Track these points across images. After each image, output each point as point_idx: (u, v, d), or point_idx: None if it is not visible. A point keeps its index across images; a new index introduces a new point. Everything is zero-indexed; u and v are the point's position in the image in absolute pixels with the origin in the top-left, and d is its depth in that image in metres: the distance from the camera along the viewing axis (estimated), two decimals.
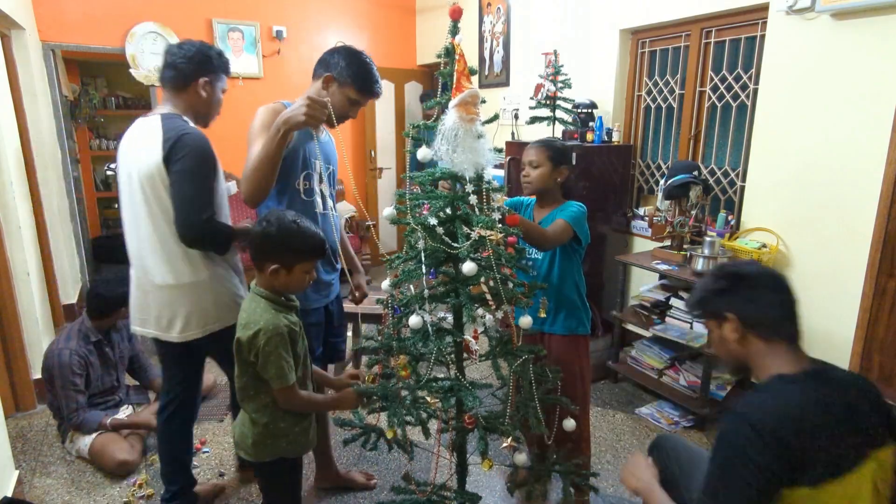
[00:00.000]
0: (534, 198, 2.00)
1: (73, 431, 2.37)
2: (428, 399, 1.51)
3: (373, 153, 5.27)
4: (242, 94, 4.58)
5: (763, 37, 2.63)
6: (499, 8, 4.28)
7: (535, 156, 1.91)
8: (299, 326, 1.49)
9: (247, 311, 1.43)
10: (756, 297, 1.15)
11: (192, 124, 1.74)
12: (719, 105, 2.95)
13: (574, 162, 1.85)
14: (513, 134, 4.18)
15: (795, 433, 1.01)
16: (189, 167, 1.60)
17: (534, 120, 3.35)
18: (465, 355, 1.53)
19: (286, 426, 1.47)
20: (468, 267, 1.36)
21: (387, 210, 1.52)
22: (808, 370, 1.12)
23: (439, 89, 1.42)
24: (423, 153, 1.42)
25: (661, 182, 2.89)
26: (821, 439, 1.01)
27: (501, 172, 3.64)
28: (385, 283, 1.57)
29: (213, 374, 2.94)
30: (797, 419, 1.02)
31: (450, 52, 1.38)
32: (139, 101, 5.87)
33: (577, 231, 1.86)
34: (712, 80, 2.95)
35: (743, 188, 2.79)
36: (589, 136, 3.25)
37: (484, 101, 1.22)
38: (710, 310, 1.22)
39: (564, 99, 3.26)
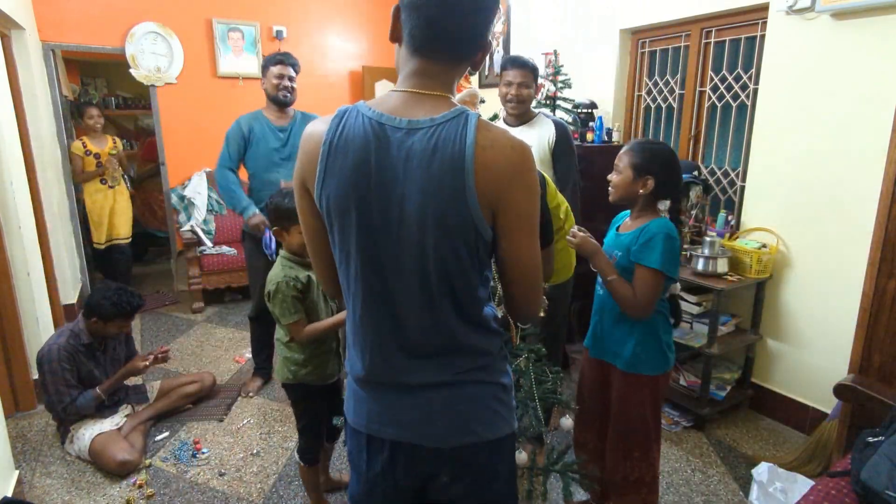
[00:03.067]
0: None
1: (73, 426, 2.37)
2: None
3: None
4: (242, 93, 4.58)
5: (763, 37, 2.63)
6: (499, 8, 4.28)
7: (620, 159, 1.68)
8: (311, 279, 1.83)
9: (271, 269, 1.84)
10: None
11: None
12: (719, 105, 2.95)
13: (670, 170, 1.65)
14: None
15: None
16: None
17: None
18: None
19: (305, 357, 1.85)
20: None
21: None
22: None
23: None
24: None
25: None
26: None
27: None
28: None
29: (214, 373, 2.94)
30: None
31: None
32: (139, 101, 5.87)
33: (669, 275, 1.58)
34: (712, 80, 2.95)
35: (743, 188, 2.79)
36: (589, 136, 3.25)
37: (483, 101, 1.23)
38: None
39: (564, 99, 3.26)
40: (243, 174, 2.80)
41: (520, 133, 2.39)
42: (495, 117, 1.58)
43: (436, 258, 0.88)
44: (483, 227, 0.87)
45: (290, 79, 2.71)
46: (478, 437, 0.97)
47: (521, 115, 2.49)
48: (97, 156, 4.01)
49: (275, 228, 1.86)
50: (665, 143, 2.36)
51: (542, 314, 1.49)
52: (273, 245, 2.64)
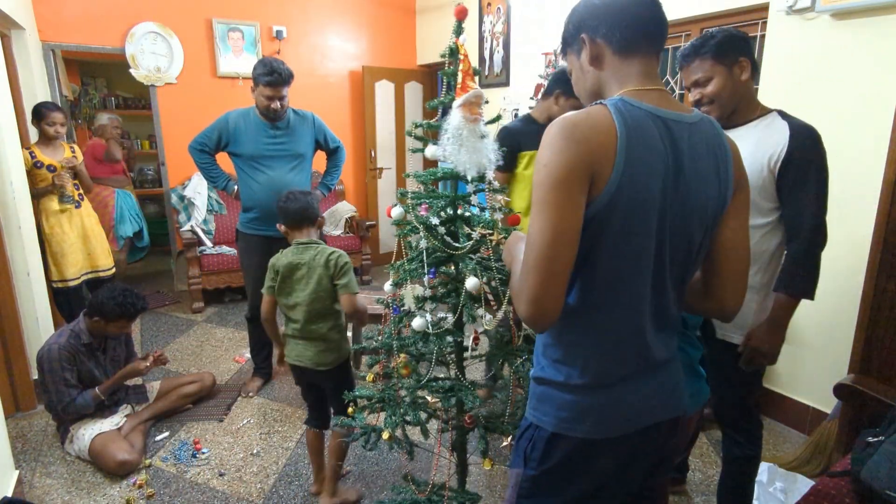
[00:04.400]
0: None
1: (73, 426, 2.37)
2: (428, 399, 1.52)
3: (373, 153, 5.27)
4: (242, 93, 4.58)
5: (763, 37, 2.63)
6: (499, 8, 4.28)
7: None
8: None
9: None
10: None
11: None
12: None
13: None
14: None
15: None
16: None
17: None
18: (473, 346, 1.53)
19: (341, 337, 2.00)
20: (471, 283, 1.37)
21: (395, 210, 1.53)
22: None
23: (444, 89, 1.43)
24: (431, 151, 1.43)
25: None
26: None
27: None
28: (387, 285, 1.57)
29: (213, 373, 2.94)
30: None
31: (454, 53, 1.39)
32: (139, 101, 5.87)
33: None
34: None
35: None
36: None
37: (487, 102, 1.23)
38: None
39: None
40: (228, 167, 2.86)
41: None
42: (498, 118, 1.57)
43: (700, 242, 0.98)
44: (725, 208, 1.00)
45: (282, 98, 2.61)
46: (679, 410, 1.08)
47: (728, 118, 1.64)
48: (51, 168, 3.11)
49: (284, 230, 2.01)
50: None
51: None
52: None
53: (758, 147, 1.57)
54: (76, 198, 3.25)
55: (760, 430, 1.76)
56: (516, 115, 4.17)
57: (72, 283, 3.25)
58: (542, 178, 0.88)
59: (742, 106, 1.61)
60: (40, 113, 3.11)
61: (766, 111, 1.64)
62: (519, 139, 2.38)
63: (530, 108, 3.46)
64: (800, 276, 1.52)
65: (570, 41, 1.05)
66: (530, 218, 0.90)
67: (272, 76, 2.53)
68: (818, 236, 1.57)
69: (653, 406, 1.02)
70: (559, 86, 2.31)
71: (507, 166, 2.36)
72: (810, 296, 1.54)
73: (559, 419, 0.99)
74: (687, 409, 1.10)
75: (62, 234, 3.18)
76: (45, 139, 3.16)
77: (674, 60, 3.17)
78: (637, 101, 0.92)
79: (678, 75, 3.14)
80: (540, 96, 2.45)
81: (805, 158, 1.53)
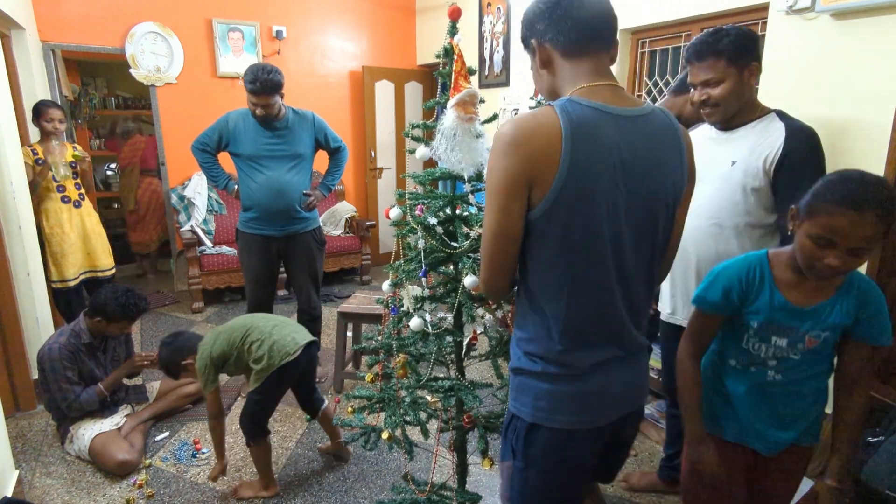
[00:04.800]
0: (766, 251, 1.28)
1: (73, 426, 2.37)
2: (428, 398, 1.52)
3: (373, 153, 5.27)
4: (242, 94, 4.57)
5: (763, 37, 2.63)
6: (499, 8, 4.28)
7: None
8: None
9: None
10: None
11: None
12: None
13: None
14: None
15: None
16: None
17: None
18: (472, 344, 1.53)
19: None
20: (469, 281, 1.37)
21: (394, 211, 1.53)
22: None
23: (438, 89, 1.43)
24: (421, 152, 1.43)
25: None
26: None
27: None
28: (385, 285, 1.57)
29: None
30: None
31: (448, 53, 1.38)
32: (139, 101, 5.87)
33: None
34: None
35: None
36: None
37: (483, 101, 1.22)
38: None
39: None
40: (231, 168, 2.86)
41: (725, 142, 1.64)
42: (495, 117, 1.57)
43: (664, 227, 1.02)
44: (682, 196, 1.04)
45: (267, 106, 2.57)
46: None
47: (729, 120, 1.63)
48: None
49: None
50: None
51: None
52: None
53: (754, 149, 1.56)
54: (76, 197, 3.23)
55: None
56: (516, 115, 4.17)
57: (71, 283, 3.23)
58: (488, 182, 0.96)
59: (743, 108, 1.60)
60: (38, 110, 3.11)
61: (765, 112, 1.63)
62: None
63: (530, 107, 3.46)
64: None
65: (524, 45, 1.07)
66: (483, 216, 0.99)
67: (254, 85, 2.52)
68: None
69: (629, 393, 1.07)
70: None
71: None
72: None
73: (536, 409, 1.03)
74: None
75: (62, 235, 3.17)
76: (46, 137, 3.14)
77: (674, 60, 3.16)
78: (585, 99, 0.94)
79: (678, 75, 3.13)
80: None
81: (800, 159, 1.51)
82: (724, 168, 1.61)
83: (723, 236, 1.62)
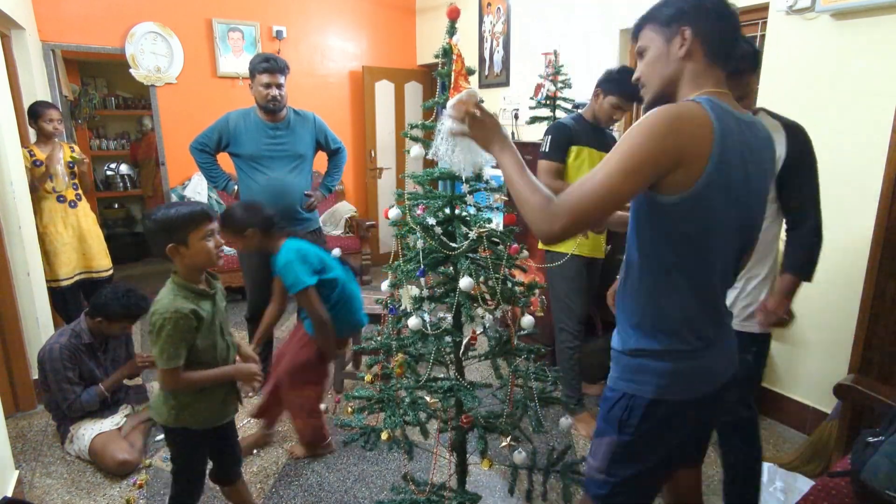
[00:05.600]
0: None
1: (73, 426, 2.37)
2: (427, 399, 1.52)
3: (373, 153, 5.27)
4: (242, 93, 4.58)
5: (763, 37, 2.63)
6: (499, 8, 4.28)
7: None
8: (210, 315, 1.55)
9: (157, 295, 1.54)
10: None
11: None
12: None
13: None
14: (513, 134, 4.18)
15: None
16: None
17: (534, 120, 3.34)
18: (471, 344, 1.53)
19: (189, 399, 1.56)
20: (465, 283, 1.38)
21: (393, 211, 1.53)
22: None
23: (438, 89, 1.43)
24: (415, 152, 1.43)
25: None
26: None
27: (500, 172, 3.63)
28: (384, 285, 1.57)
29: None
30: None
31: (447, 53, 1.38)
32: (139, 101, 5.87)
33: None
34: None
35: None
36: None
37: (482, 101, 1.22)
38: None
39: (564, 99, 3.26)
40: (230, 168, 2.86)
41: None
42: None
43: (757, 226, 1.17)
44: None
45: (279, 86, 2.63)
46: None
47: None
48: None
49: (171, 246, 1.50)
50: None
51: None
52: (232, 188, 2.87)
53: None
54: (73, 197, 3.18)
55: (756, 427, 1.79)
56: (516, 116, 4.17)
57: (64, 283, 3.14)
58: (627, 147, 0.99)
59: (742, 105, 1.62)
60: (36, 112, 3.05)
61: (755, 112, 1.70)
62: (571, 133, 2.45)
63: (531, 107, 3.46)
64: (807, 260, 1.70)
65: (665, 22, 1.09)
66: (605, 159, 1.01)
67: (268, 62, 2.63)
68: (819, 226, 1.73)
69: (725, 366, 1.18)
70: (599, 84, 2.44)
71: (559, 156, 2.44)
72: (811, 278, 1.71)
73: (658, 386, 1.11)
74: None
75: (55, 234, 3.09)
76: (44, 138, 3.08)
77: None
78: (718, 100, 1.03)
79: None
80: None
81: (803, 166, 1.65)
82: None
83: None
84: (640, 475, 1.17)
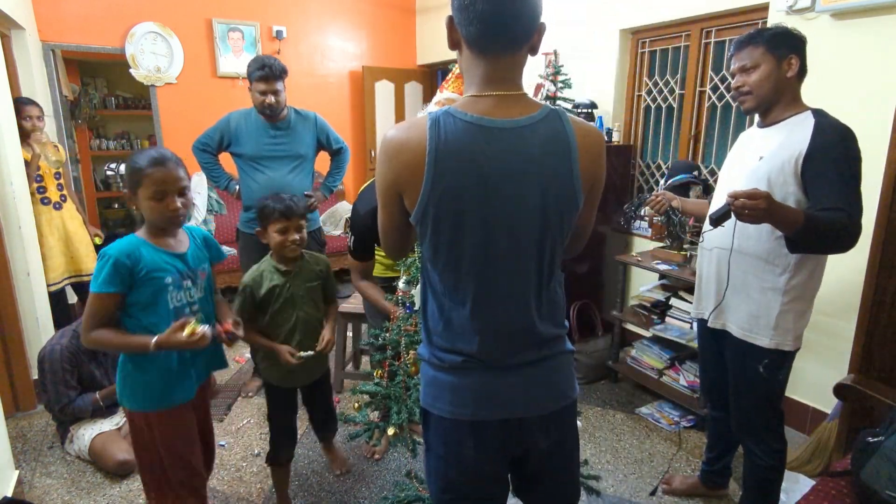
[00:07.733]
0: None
1: (73, 426, 2.37)
2: None
3: (373, 153, 5.27)
4: (242, 93, 4.57)
5: None
6: None
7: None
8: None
9: None
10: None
11: None
12: (719, 105, 2.95)
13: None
14: None
15: None
16: None
17: None
18: None
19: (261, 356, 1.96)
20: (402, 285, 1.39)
21: None
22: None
23: (438, 89, 1.43)
24: None
25: (661, 182, 2.88)
26: None
27: None
28: (400, 282, 1.58)
29: (214, 373, 2.93)
30: None
31: None
32: (139, 101, 5.87)
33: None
34: (712, 80, 2.95)
35: None
36: None
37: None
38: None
39: (564, 99, 3.25)
40: (232, 168, 2.86)
41: (760, 138, 1.67)
42: None
43: (552, 236, 1.00)
44: (580, 203, 1.01)
45: (275, 93, 2.61)
46: (569, 399, 1.12)
47: (765, 113, 1.66)
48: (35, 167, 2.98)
49: (257, 230, 1.94)
50: None
51: None
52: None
53: (783, 145, 1.56)
54: (57, 199, 3.09)
55: (783, 443, 1.79)
56: None
57: (51, 289, 3.04)
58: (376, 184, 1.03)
59: (780, 105, 1.61)
60: (14, 108, 2.89)
61: (803, 110, 1.61)
62: None
63: None
64: (823, 220, 1.42)
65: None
66: None
67: (263, 70, 2.60)
68: (853, 217, 1.44)
69: (513, 399, 1.05)
70: None
71: None
72: (800, 246, 1.50)
73: (425, 395, 1.09)
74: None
75: (40, 238, 2.98)
76: (25, 136, 2.91)
77: (674, 60, 3.16)
78: (463, 111, 0.94)
79: (678, 75, 3.13)
80: None
81: (825, 156, 1.48)
82: (752, 163, 1.62)
83: (745, 232, 1.62)
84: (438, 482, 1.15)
